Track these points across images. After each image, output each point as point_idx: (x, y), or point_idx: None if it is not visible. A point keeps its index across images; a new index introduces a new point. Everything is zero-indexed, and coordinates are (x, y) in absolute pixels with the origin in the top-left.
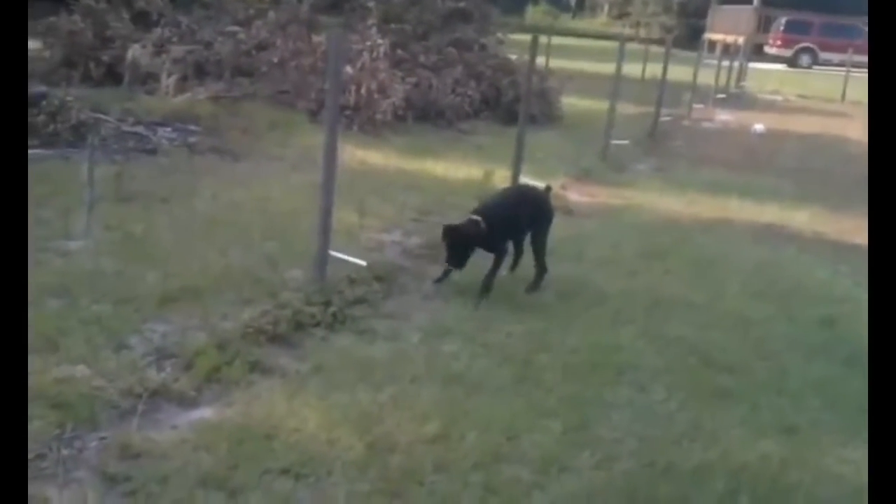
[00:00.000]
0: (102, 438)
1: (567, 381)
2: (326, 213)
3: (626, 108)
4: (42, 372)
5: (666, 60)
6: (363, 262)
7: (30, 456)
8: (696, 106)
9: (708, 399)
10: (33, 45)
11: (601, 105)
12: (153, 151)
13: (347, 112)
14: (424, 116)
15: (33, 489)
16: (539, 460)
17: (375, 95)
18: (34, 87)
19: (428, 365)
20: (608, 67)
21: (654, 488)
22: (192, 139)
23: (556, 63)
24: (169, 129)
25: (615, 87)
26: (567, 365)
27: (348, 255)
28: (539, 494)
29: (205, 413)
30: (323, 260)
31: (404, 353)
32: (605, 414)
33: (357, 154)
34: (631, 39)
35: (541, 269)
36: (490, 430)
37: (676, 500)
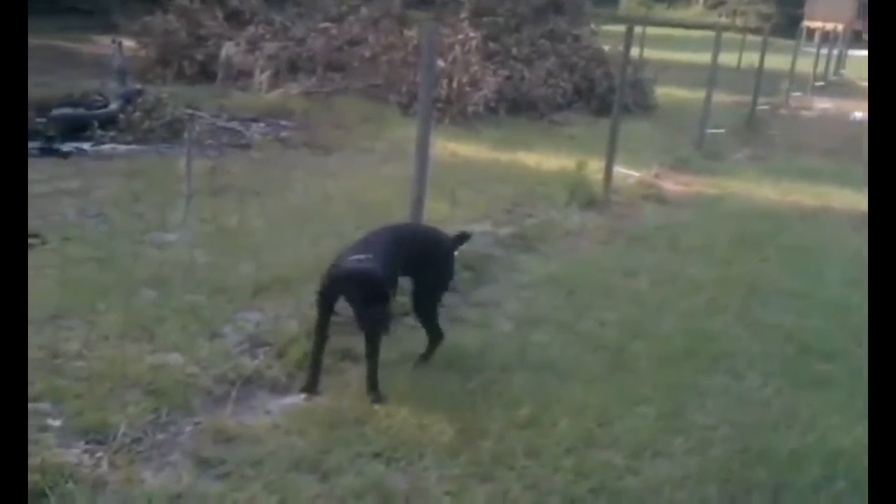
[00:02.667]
0: (197, 423)
1: (661, 369)
2: (418, 203)
3: (721, 98)
4: (138, 359)
5: (763, 48)
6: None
7: (126, 440)
8: (793, 94)
9: (805, 386)
10: (129, 44)
11: (696, 95)
12: (246, 146)
13: (439, 105)
14: (516, 108)
15: (130, 472)
16: (632, 446)
17: (467, 88)
18: (130, 85)
19: (519, 353)
20: (703, 57)
21: (749, 474)
22: (284, 134)
23: (650, 53)
24: (262, 124)
25: (711, 76)
26: (661, 353)
27: None
28: (632, 479)
29: (297, 399)
30: None
31: (495, 342)
32: (700, 401)
33: (448, 146)
34: (727, 29)
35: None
36: (582, 416)
37: (771, 485)
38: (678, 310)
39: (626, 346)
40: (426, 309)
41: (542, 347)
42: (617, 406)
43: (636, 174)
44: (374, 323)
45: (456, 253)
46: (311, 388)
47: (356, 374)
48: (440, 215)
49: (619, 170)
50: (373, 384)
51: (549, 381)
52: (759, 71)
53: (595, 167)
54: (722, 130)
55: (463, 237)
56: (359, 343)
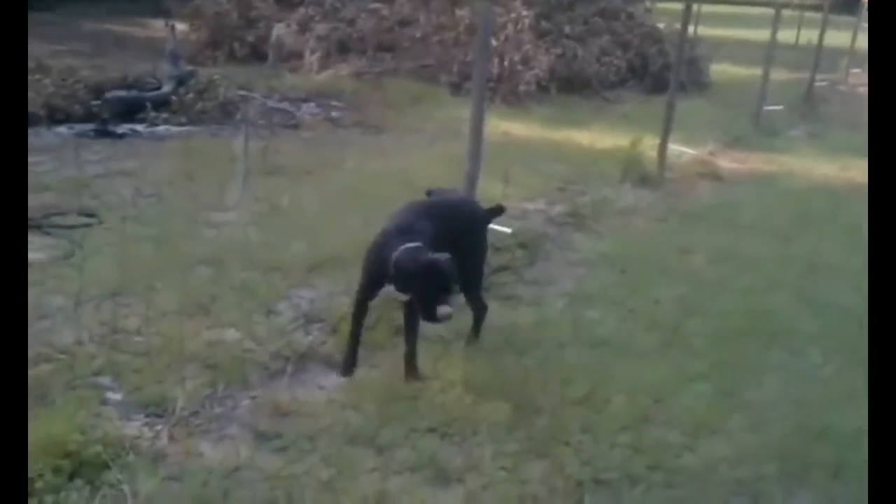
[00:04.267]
0: (253, 398)
1: (718, 346)
2: (472, 181)
3: (779, 75)
4: (195, 335)
5: (823, 25)
6: (507, 230)
7: (185, 413)
8: (853, 71)
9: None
10: (180, 27)
11: (752, 72)
12: (297, 126)
13: (491, 84)
14: (569, 86)
15: (188, 444)
16: (688, 423)
17: (519, 67)
18: (182, 68)
19: (573, 330)
20: (759, 34)
21: (808, 452)
22: (334, 114)
23: (704, 31)
24: (312, 104)
25: (769, 52)
26: (718, 330)
27: (492, 223)
28: (689, 456)
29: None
30: None
31: (549, 319)
32: (758, 378)
33: (500, 125)
34: (786, 6)
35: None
36: (637, 393)
37: (831, 463)
38: (735, 287)
39: (681, 323)
40: (470, 283)
41: (596, 325)
42: (672, 383)
43: (691, 151)
44: (440, 317)
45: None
46: (348, 370)
47: None
48: (493, 194)
49: (674, 147)
50: (412, 365)
51: (604, 358)
52: (818, 47)
53: (649, 144)
54: (779, 107)
55: (497, 210)
56: None
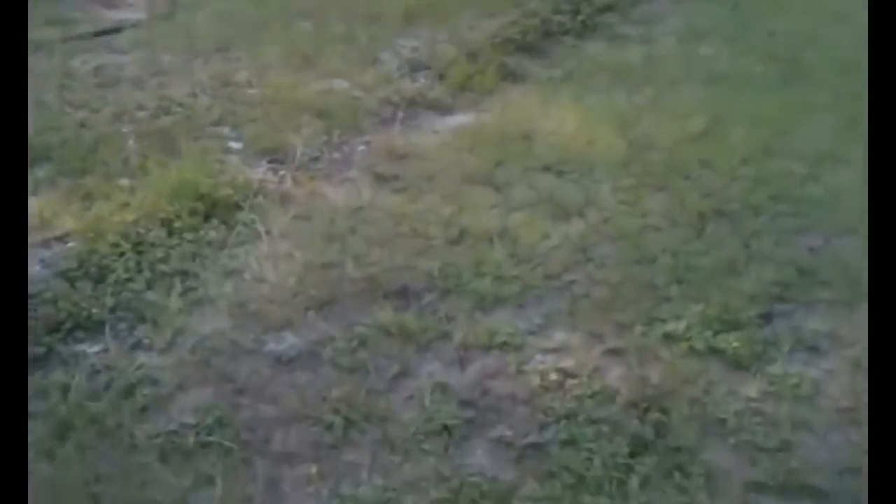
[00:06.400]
0: (367, 143)
1: (839, 77)
2: None
3: None
4: (304, 85)
5: None
6: None
7: (305, 159)
8: None
9: None
10: None
11: None
12: None
13: None
14: None
15: (312, 187)
16: (812, 154)
17: None
18: None
19: (686, 66)
20: None
21: None
22: None
23: None
24: None
25: None
26: (839, 61)
27: None
28: (813, 185)
29: (462, 119)
30: None
31: (659, 57)
32: None
33: None
34: None
35: None
36: (757, 126)
37: None
38: (856, 20)
39: (799, 56)
40: None
41: (710, 60)
42: (794, 115)
43: None
44: None
45: None
46: None
47: (518, 93)
48: None
49: None
50: None
51: (720, 92)
52: None
53: None
54: None
55: None
56: (518, 64)
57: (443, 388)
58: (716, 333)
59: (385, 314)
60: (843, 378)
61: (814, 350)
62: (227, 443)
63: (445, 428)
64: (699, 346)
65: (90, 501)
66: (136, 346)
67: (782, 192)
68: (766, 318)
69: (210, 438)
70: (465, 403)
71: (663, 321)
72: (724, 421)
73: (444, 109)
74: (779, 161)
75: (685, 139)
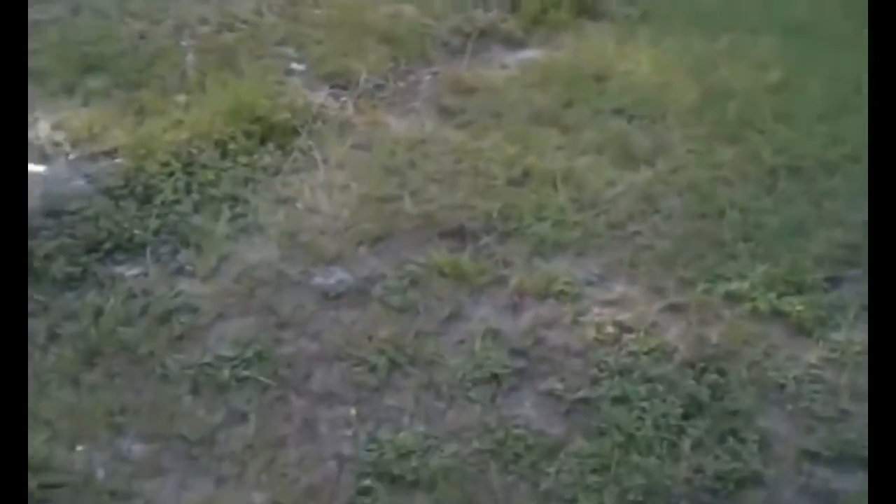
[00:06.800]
0: (435, 73)
1: None
2: None
3: None
4: (373, 8)
5: None
6: None
7: (368, 86)
8: None
9: None
10: None
11: None
12: None
13: None
14: None
15: (374, 115)
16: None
17: None
18: None
19: (765, 15)
20: None
21: None
22: None
23: None
24: None
25: None
26: None
27: None
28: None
29: (533, 54)
30: None
31: (739, 2)
32: None
33: None
34: None
35: None
36: (836, 82)
37: None
38: None
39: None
40: None
41: (789, 8)
42: None
43: None
44: None
45: None
46: None
47: (594, 30)
48: None
49: None
50: None
51: (798, 44)
52: None
53: None
54: None
55: None
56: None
57: (494, 334)
58: (780, 295)
59: (440, 254)
60: None
61: None
62: (263, 379)
63: (494, 376)
64: (762, 307)
65: (113, 432)
66: (178, 271)
67: (857, 153)
68: (834, 282)
69: (246, 373)
70: (516, 352)
71: (727, 279)
72: (782, 386)
73: (516, 43)
74: (855, 119)
75: (761, 90)
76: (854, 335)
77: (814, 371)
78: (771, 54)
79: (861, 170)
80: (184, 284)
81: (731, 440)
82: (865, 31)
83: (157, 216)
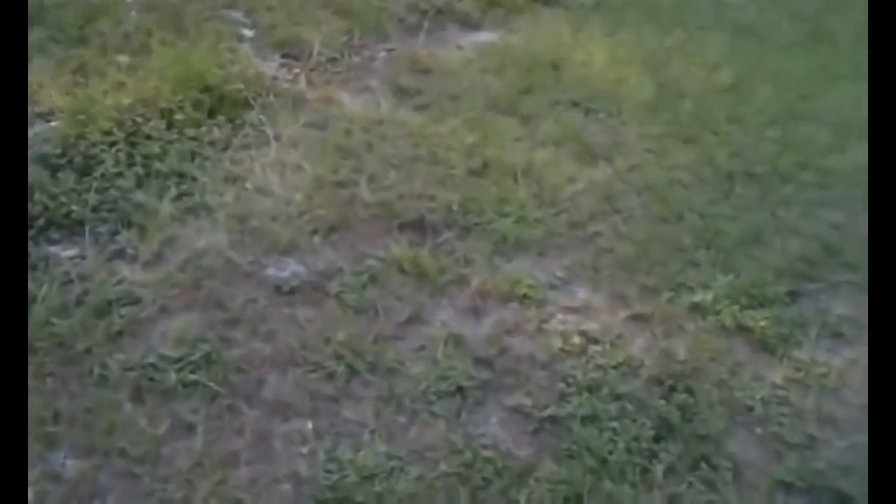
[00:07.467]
0: (390, 50)
1: (862, 47)
2: None
3: None
4: None
5: None
6: None
7: (322, 59)
8: None
9: None
10: None
11: None
12: None
13: None
14: None
15: (328, 91)
16: (835, 122)
17: None
18: None
19: (715, 13)
20: None
21: None
22: None
23: None
24: None
25: None
26: (861, 28)
27: None
28: (837, 157)
29: (489, 37)
30: None
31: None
32: None
33: None
34: None
35: None
36: (783, 86)
37: None
38: None
39: (823, 17)
40: None
41: (738, 9)
42: (818, 79)
43: None
44: None
45: None
46: None
47: (549, 16)
48: None
49: None
50: None
51: (748, 44)
52: None
53: None
54: None
55: None
56: None
57: (457, 339)
58: (742, 308)
59: (399, 248)
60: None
61: (838, 336)
62: (212, 385)
63: (459, 389)
64: (727, 321)
65: (44, 445)
66: (118, 254)
67: (808, 160)
68: (793, 296)
69: (194, 377)
70: (480, 362)
71: (690, 289)
72: (750, 409)
73: (471, 24)
74: (804, 126)
75: (713, 90)
76: (817, 355)
77: (780, 392)
78: (721, 53)
79: (812, 178)
80: (125, 271)
81: (703, 466)
82: (810, 36)
83: (97, 190)
